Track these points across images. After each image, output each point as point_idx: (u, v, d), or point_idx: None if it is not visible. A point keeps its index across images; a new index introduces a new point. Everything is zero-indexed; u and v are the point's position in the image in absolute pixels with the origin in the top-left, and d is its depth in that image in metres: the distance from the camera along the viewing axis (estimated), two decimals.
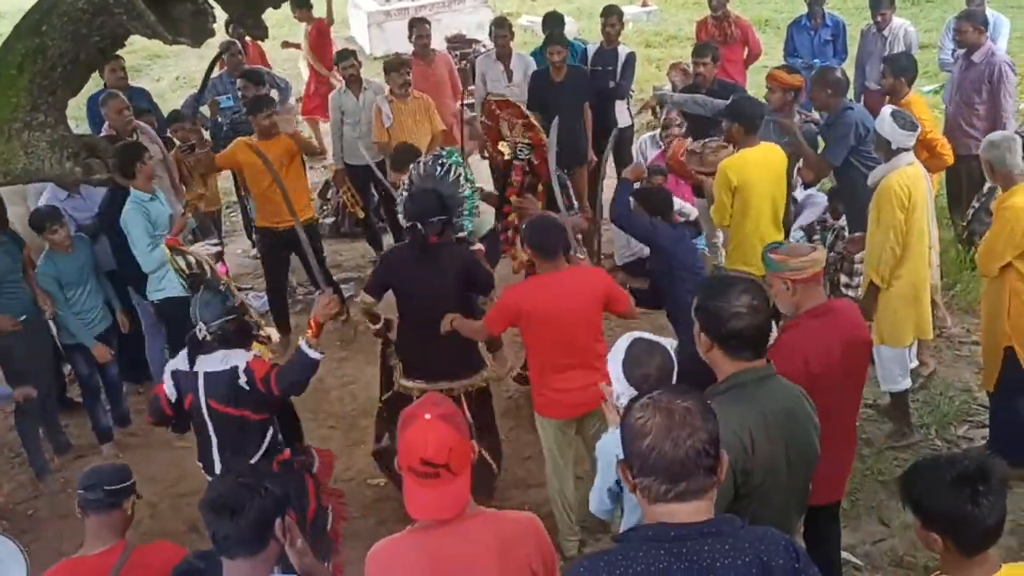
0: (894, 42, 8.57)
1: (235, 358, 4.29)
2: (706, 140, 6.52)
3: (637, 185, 5.90)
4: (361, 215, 8.62)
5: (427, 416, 2.65)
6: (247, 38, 10.08)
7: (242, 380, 4.24)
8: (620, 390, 3.38)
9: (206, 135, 8.33)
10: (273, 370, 4.25)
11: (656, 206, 5.59)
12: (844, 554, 4.66)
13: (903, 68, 6.61)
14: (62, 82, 4.19)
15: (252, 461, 4.31)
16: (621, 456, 2.22)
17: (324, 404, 6.76)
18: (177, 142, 7.88)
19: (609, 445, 3.33)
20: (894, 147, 5.21)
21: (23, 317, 6.01)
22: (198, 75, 14.24)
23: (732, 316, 2.88)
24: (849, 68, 9.20)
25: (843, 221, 6.94)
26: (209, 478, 4.45)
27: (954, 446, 5.54)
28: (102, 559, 3.33)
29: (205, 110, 9.01)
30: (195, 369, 4.33)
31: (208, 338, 4.29)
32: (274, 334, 4.51)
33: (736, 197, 5.79)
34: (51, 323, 6.32)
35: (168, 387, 4.43)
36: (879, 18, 8.70)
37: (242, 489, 2.74)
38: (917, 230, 5.25)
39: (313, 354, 4.29)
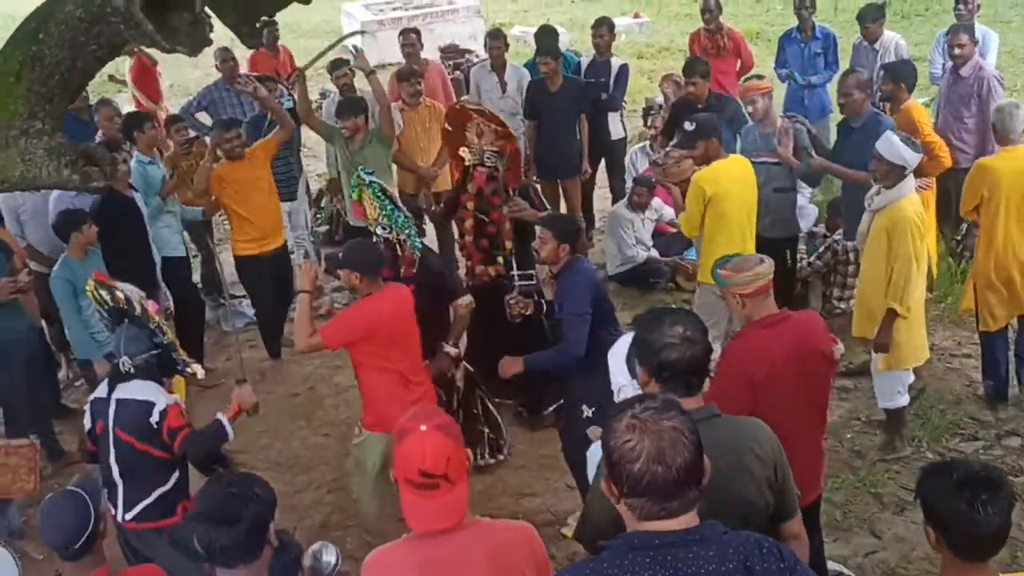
0: (885, 55, 8.62)
1: (153, 393, 4.22)
2: (667, 151, 6.52)
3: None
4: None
5: (423, 428, 2.66)
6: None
7: (153, 418, 4.17)
8: (623, 383, 3.41)
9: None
10: (184, 430, 4.16)
11: (567, 233, 5.03)
12: (837, 566, 4.68)
13: (903, 75, 6.68)
14: (59, 90, 4.18)
15: (152, 499, 4.24)
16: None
17: (319, 412, 6.76)
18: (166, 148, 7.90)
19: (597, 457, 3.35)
20: (907, 171, 5.21)
21: (10, 328, 5.95)
22: (193, 83, 14.29)
23: (665, 347, 2.86)
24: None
25: (838, 234, 6.97)
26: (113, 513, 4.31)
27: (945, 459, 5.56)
28: None
29: (203, 118, 9.01)
30: (110, 396, 4.27)
31: (131, 371, 4.23)
32: (200, 371, 4.46)
33: (709, 209, 5.79)
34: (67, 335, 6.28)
35: (87, 418, 4.39)
36: (864, 31, 8.77)
37: (234, 498, 2.73)
38: (922, 255, 5.30)
39: (229, 429, 4.21)
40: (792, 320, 3.89)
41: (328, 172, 8.88)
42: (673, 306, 7.20)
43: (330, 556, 3.35)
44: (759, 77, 6.95)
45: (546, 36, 8.94)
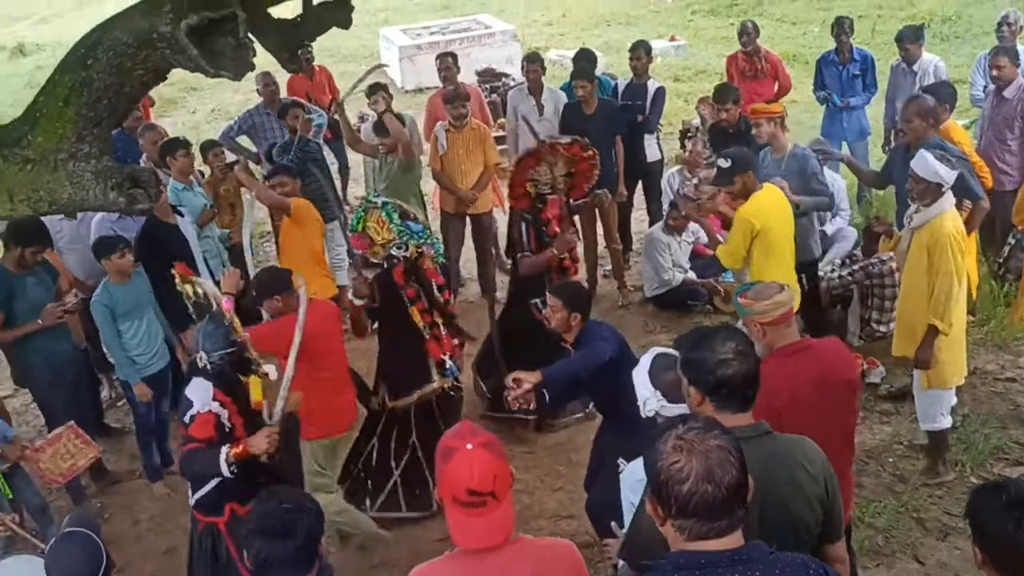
0: (924, 77, 8.58)
1: (200, 394, 4.28)
2: (697, 183, 6.48)
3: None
4: None
5: (468, 446, 2.67)
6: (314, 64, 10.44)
7: (185, 418, 4.29)
8: (647, 396, 3.41)
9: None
10: (191, 444, 4.21)
11: (576, 302, 4.88)
12: None
13: (944, 96, 6.64)
14: (106, 114, 4.25)
15: (202, 493, 4.37)
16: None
17: None
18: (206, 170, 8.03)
19: (635, 474, 3.34)
20: (944, 189, 5.18)
21: (57, 349, 6.07)
22: (233, 107, 14.50)
23: (719, 363, 2.84)
24: (879, 103, 9.26)
25: (875, 258, 6.92)
26: None
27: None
28: None
29: (245, 141, 9.15)
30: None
31: (208, 368, 4.32)
32: (272, 371, 4.50)
33: (757, 242, 5.69)
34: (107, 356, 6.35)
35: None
36: (903, 53, 8.73)
37: (289, 513, 2.79)
38: (963, 271, 5.24)
39: (224, 468, 4.13)
40: (814, 348, 3.84)
41: (366, 195, 8.94)
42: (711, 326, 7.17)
43: None
44: (768, 102, 6.95)
45: (583, 59, 8.97)
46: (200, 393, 4.29)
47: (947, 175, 5.16)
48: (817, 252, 7.20)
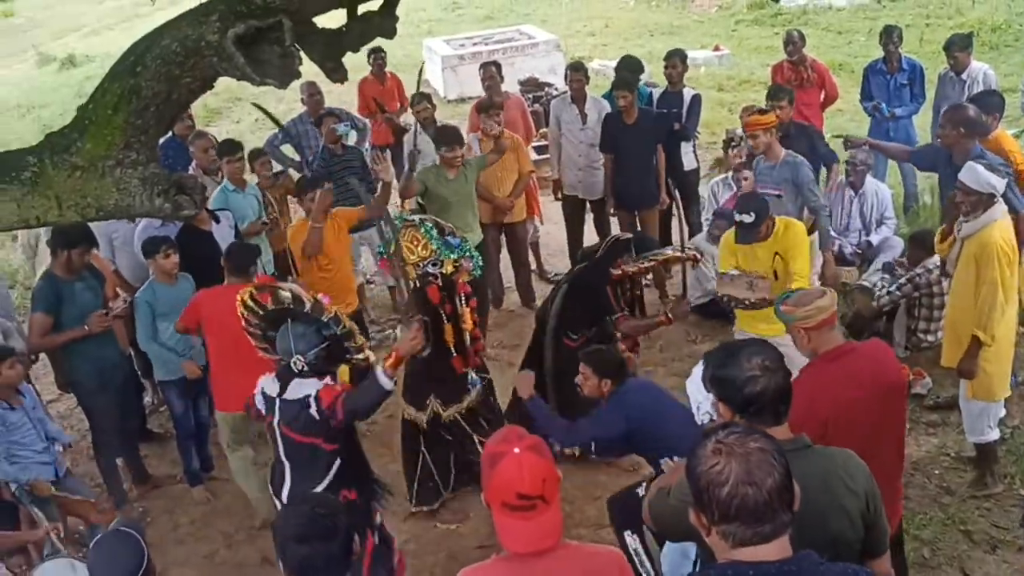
0: (973, 86, 8.47)
1: (308, 387, 4.41)
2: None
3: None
4: None
5: (516, 450, 2.68)
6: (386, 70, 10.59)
7: (312, 409, 4.36)
8: (700, 400, 3.40)
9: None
10: (340, 395, 4.34)
11: (607, 368, 4.97)
12: None
13: (992, 105, 6.56)
14: (154, 122, 4.32)
15: (317, 490, 4.38)
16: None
17: (396, 438, 6.79)
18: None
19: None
20: (996, 199, 5.12)
21: (104, 355, 6.16)
22: (277, 117, 14.62)
23: (747, 381, 2.82)
24: (927, 113, 9.14)
25: (922, 267, 6.82)
26: (275, 501, 4.63)
27: None
28: None
29: (289, 151, 9.24)
30: (274, 394, 4.50)
31: (306, 369, 4.40)
32: (371, 355, 4.57)
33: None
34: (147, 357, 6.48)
35: (258, 400, 4.65)
36: (952, 61, 8.62)
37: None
38: (1013, 284, 5.17)
39: (386, 382, 4.32)
40: (859, 351, 3.81)
41: (409, 202, 8.98)
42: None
43: None
44: (762, 112, 6.89)
45: (626, 68, 8.96)
46: (308, 386, 4.41)
47: (999, 184, 5.10)
48: (886, 259, 7.24)
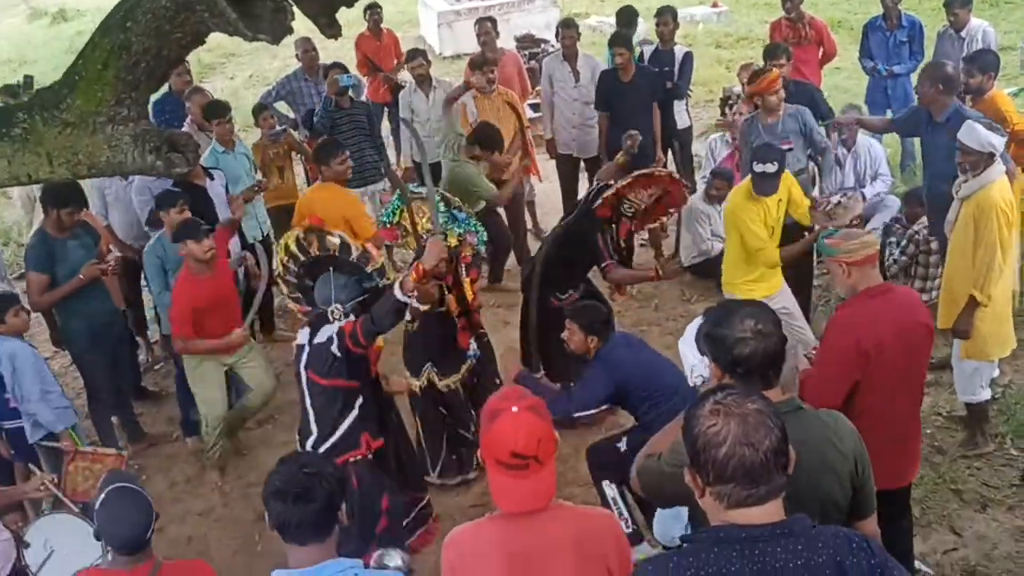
0: (972, 43, 8.39)
1: (333, 329, 4.46)
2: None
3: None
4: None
5: (514, 409, 2.68)
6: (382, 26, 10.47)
7: (335, 346, 4.40)
8: (694, 363, 3.41)
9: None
10: (356, 322, 4.39)
11: (594, 325, 4.99)
12: (915, 563, 4.58)
13: (987, 63, 6.52)
14: (145, 78, 4.27)
15: (339, 435, 4.48)
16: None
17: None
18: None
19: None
20: (995, 157, 5.11)
21: (97, 311, 6.16)
22: (271, 73, 14.53)
23: (737, 342, 2.81)
24: None
25: (918, 224, 6.82)
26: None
27: None
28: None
29: (283, 107, 9.17)
30: (303, 343, 4.56)
31: (341, 318, 4.48)
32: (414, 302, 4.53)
33: None
34: (154, 312, 6.55)
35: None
36: (952, 18, 8.54)
37: (308, 477, 2.77)
38: (1011, 244, 5.18)
39: (401, 295, 4.29)
40: (896, 292, 3.99)
41: (404, 162, 8.95)
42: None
43: (394, 560, 3.36)
44: (765, 71, 6.79)
45: (619, 18, 8.90)
46: (333, 328, 4.46)
47: (998, 142, 5.09)
48: (885, 219, 7.24)
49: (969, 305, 5.15)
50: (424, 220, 5.52)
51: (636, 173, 5.97)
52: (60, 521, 4.35)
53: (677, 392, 4.53)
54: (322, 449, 4.49)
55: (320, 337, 4.50)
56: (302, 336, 4.63)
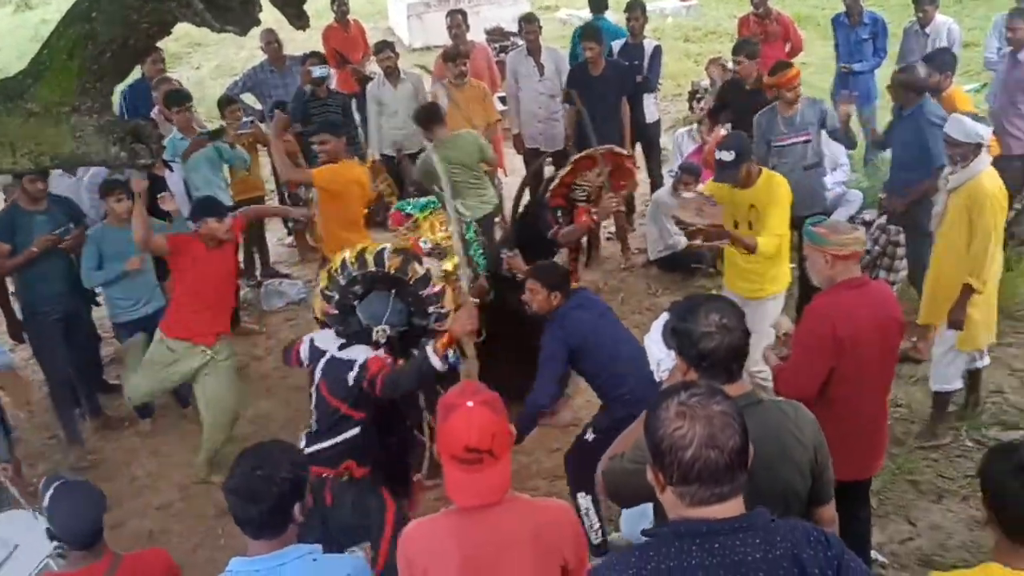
0: (937, 40, 8.52)
1: (360, 352, 4.32)
2: (693, 196, 6.21)
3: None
4: None
5: (469, 404, 2.70)
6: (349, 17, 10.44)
7: (352, 374, 4.25)
8: (661, 357, 3.45)
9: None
10: (384, 370, 4.22)
11: (554, 281, 4.95)
12: (871, 552, 4.67)
13: (944, 63, 6.67)
14: (110, 68, 4.25)
15: (327, 444, 4.35)
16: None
17: None
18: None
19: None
20: (983, 148, 5.21)
21: (55, 292, 6.20)
22: (238, 64, 14.43)
23: (702, 336, 2.83)
24: (890, 67, 9.18)
25: (884, 219, 6.90)
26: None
27: (985, 448, 5.49)
28: (86, 574, 3.24)
29: (249, 99, 9.13)
30: (327, 349, 4.40)
31: (382, 341, 4.35)
32: (437, 362, 4.28)
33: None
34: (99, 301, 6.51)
35: (303, 349, 4.57)
36: (921, 14, 8.65)
37: (259, 480, 2.77)
38: (1000, 231, 5.28)
39: (436, 362, 4.17)
40: (871, 286, 4.07)
41: (372, 154, 8.94)
42: (712, 292, 7.19)
43: (358, 554, 3.36)
44: (788, 66, 6.82)
45: (596, 7, 9.11)
46: (361, 351, 4.32)
47: (985, 132, 5.22)
48: (845, 214, 7.29)
49: (963, 294, 5.22)
50: (438, 232, 5.52)
51: (574, 157, 6.03)
52: (17, 518, 4.32)
53: (636, 368, 4.54)
54: (315, 447, 4.37)
55: (348, 354, 4.33)
56: (325, 340, 4.46)
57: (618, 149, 6.34)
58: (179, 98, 7.46)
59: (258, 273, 8.64)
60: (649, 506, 3.05)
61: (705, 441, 2.11)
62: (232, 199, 7.70)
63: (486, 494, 2.70)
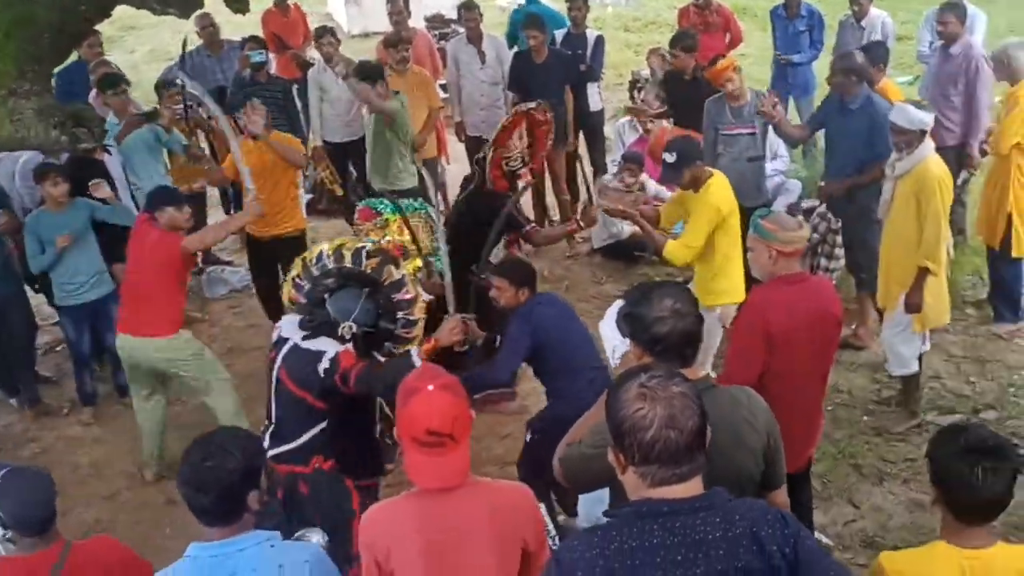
0: (871, 33, 8.66)
1: (329, 344, 4.20)
2: (614, 177, 6.26)
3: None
4: (339, 192, 8.61)
5: (429, 387, 2.70)
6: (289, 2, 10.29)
7: (322, 365, 4.13)
8: (616, 343, 3.47)
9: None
10: (358, 365, 4.12)
11: (522, 277, 4.97)
12: (815, 534, 4.76)
13: (877, 56, 6.80)
14: (49, 51, 4.18)
15: (294, 445, 4.22)
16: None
17: None
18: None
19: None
20: (927, 135, 5.31)
21: None
22: (173, 48, 14.15)
23: (655, 321, 2.86)
24: (827, 59, 9.34)
25: (824, 207, 7.02)
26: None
27: (923, 433, 5.63)
28: (38, 560, 3.18)
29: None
30: (289, 337, 4.26)
31: (347, 338, 4.24)
32: (415, 357, 4.18)
33: (724, 229, 5.40)
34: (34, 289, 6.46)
35: (274, 335, 4.41)
36: (856, 8, 8.80)
37: (208, 470, 2.73)
38: (947, 215, 5.38)
39: (417, 362, 4.04)
40: (810, 282, 4.11)
41: (313, 139, 8.84)
42: (658, 280, 7.27)
43: (315, 539, 3.33)
44: (716, 59, 6.91)
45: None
46: (329, 343, 4.19)
47: (928, 119, 5.31)
48: (783, 203, 7.37)
49: (919, 278, 5.31)
50: (403, 234, 5.51)
51: (492, 138, 6.13)
52: None
53: (590, 368, 4.58)
54: (281, 448, 4.22)
55: (314, 344, 4.20)
56: (288, 328, 4.31)
57: (523, 107, 6.37)
58: (114, 81, 7.31)
59: (199, 261, 8.49)
60: (606, 491, 3.07)
61: (665, 422, 2.15)
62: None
63: (448, 477, 2.72)
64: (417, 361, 4.06)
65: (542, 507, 4.68)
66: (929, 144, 5.35)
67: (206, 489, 2.71)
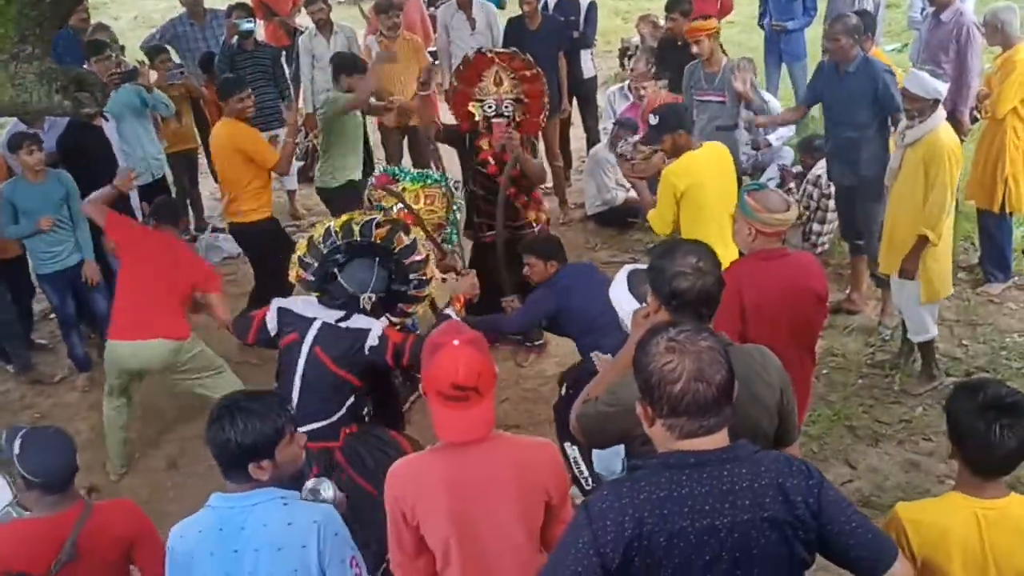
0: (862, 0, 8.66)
1: (370, 322, 4.20)
2: (636, 143, 6.35)
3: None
4: None
5: (455, 342, 2.77)
6: None
7: (370, 343, 4.12)
8: (627, 308, 3.50)
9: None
10: (408, 339, 4.13)
11: (549, 252, 5.32)
12: None
13: (865, 26, 6.76)
14: (49, 14, 4.14)
15: (326, 423, 4.17)
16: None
17: None
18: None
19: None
20: (940, 103, 5.29)
21: None
22: (157, 15, 14.02)
23: (675, 275, 2.89)
24: (818, 26, 9.33)
25: (818, 170, 7.03)
26: None
27: (916, 395, 5.69)
28: (57, 522, 3.19)
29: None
30: (313, 316, 4.22)
31: (367, 308, 4.29)
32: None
33: (684, 204, 5.17)
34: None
35: (271, 319, 4.34)
36: None
37: (219, 425, 2.77)
38: (956, 184, 5.38)
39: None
40: (790, 258, 4.04)
41: (304, 107, 8.79)
42: (649, 245, 7.30)
43: (327, 491, 3.37)
44: (705, 18, 6.96)
45: None
46: (369, 321, 4.22)
47: (943, 87, 5.29)
48: (744, 165, 7.35)
49: (917, 246, 5.33)
50: (436, 205, 5.64)
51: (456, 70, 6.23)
52: None
53: (618, 328, 4.60)
54: (312, 426, 4.08)
55: (355, 323, 4.18)
56: (313, 308, 4.28)
57: (488, 49, 6.38)
58: (98, 47, 7.26)
59: (192, 227, 8.46)
60: (621, 447, 3.12)
61: (694, 375, 2.19)
62: (164, 151, 7.56)
63: (473, 430, 2.77)
64: (455, 319, 4.16)
65: (578, 454, 4.79)
66: (941, 113, 5.31)
67: (220, 440, 2.74)
